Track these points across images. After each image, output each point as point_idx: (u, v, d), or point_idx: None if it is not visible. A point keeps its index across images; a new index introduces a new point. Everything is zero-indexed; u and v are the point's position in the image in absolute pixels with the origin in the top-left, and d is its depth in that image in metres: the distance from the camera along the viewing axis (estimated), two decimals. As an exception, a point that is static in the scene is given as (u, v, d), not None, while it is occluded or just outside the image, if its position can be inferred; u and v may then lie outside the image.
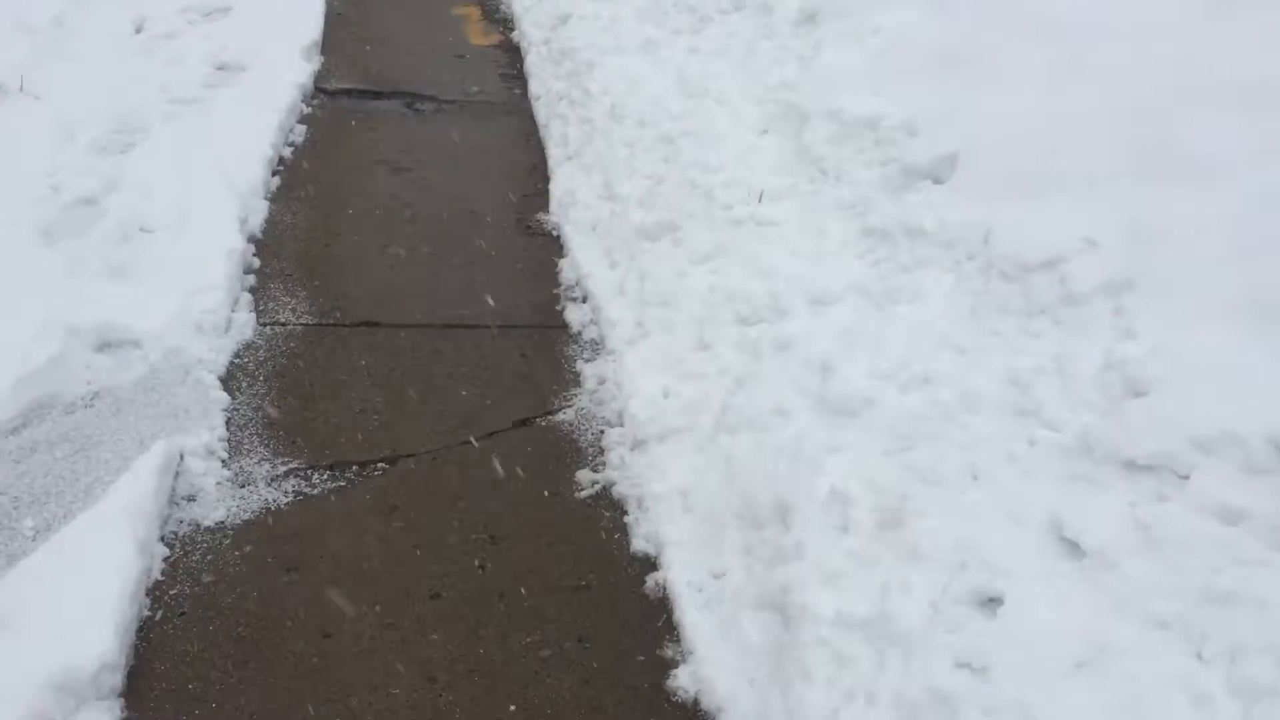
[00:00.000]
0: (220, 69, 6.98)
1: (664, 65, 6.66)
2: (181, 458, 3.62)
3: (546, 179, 6.01)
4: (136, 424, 3.79)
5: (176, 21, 7.66)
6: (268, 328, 4.50)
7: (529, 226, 5.55)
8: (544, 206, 5.72)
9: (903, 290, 4.14)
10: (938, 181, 4.62)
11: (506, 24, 8.62)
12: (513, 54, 8.03)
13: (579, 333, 4.66)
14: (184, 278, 4.53)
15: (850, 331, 3.97)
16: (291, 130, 6.33)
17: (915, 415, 3.49)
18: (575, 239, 5.27)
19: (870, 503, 3.18)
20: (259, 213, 5.33)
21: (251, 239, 5.12)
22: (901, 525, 3.08)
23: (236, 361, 4.25)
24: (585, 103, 6.50)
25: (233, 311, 4.50)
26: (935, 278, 4.15)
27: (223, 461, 3.69)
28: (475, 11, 8.93)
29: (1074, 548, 2.90)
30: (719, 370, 4.08)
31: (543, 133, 6.61)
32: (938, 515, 3.10)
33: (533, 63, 7.53)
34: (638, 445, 3.84)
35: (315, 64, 7.33)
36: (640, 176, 5.54)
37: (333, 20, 8.25)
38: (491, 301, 4.83)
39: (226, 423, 3.88)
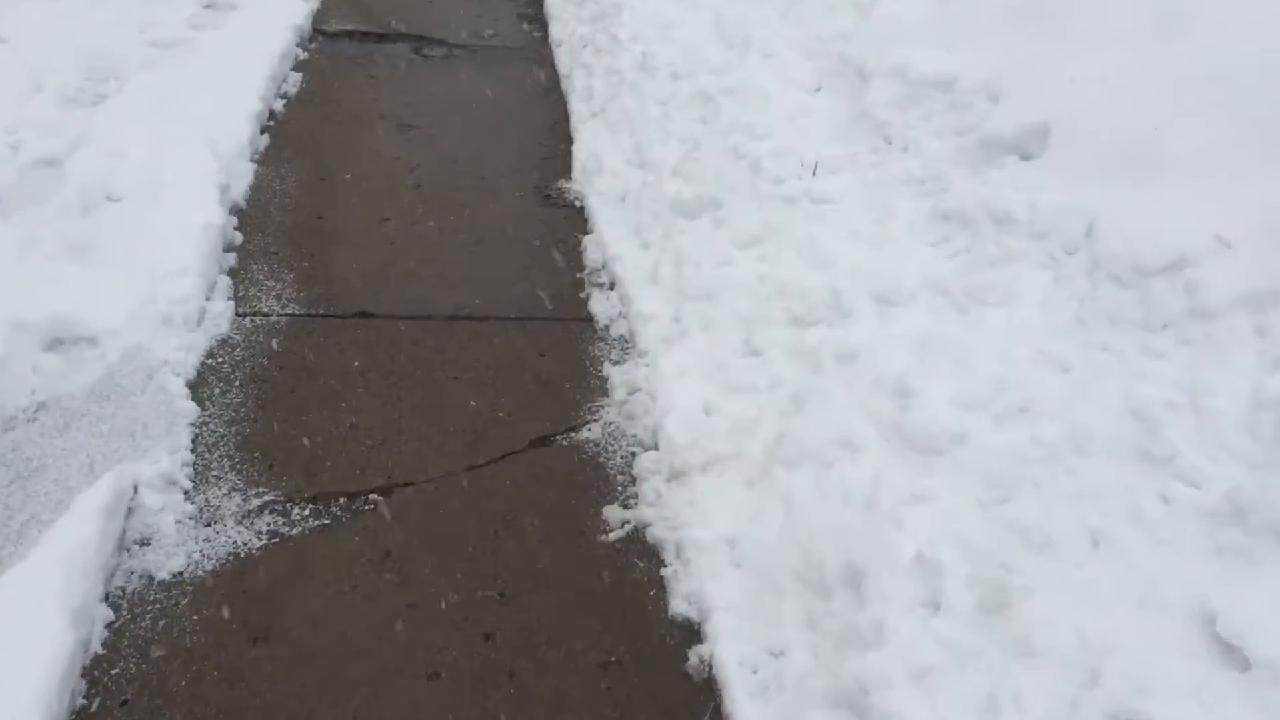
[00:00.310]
0: (208, 7, 6.33)
1: (700, 9, 5.96)
2: (136, 489, 3.05)
3: (569, 139, 5.35)
4: (86, 444, 3.21)
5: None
6: (248, 319, 3.90)
7: (549, 196, 4.91)
8: (566, 171, 5.07)
9: (989, 290, 3.51)
10: (1026, 157, 3.96)
11: (525, -43, 7.87)
12: (531, -8, 7.32)
13: (606, 327, 4.04)
14: (153, 258, 3.93)
15: (928, 341, 3.35)
16: (285, 80, 5.68)
17: (1014, 455, 2.88)
18: (601, 212, 4.64)
19: (966, 573, 2.59)
20: (244, 178, 4.71)
21: (234, 209, 4.51)
22: (1007, 607, 2.49)
23: (209, 363, 3.66)
24: (612, 50, 5.81)
25: (208, 299, 3.90)
26: (1028, 276, 3.52)
27: (185, 493, 3.12)
28: (491, -57, 8.17)
29: (1233, 652, 2.30)
30: (770, 382, 3.47)
31: (565, 84, 5.93)
32: (1051, 594, 2.51)
33: (554, 2, 6.82)
34: (676, 475, 3.24)
35: (314, 2, 6.64)
36: (675, 140, 4.88)
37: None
38: (505, 287, 4.22)
39: (193, 441, 3.30)
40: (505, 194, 4.90)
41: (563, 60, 6.13)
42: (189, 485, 3.14)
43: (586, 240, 4.53)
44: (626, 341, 3.95)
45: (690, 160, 4.65)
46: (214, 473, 3.22)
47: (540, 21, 6.82)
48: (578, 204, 4.83)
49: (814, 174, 4.37)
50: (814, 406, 3.24)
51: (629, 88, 5.44)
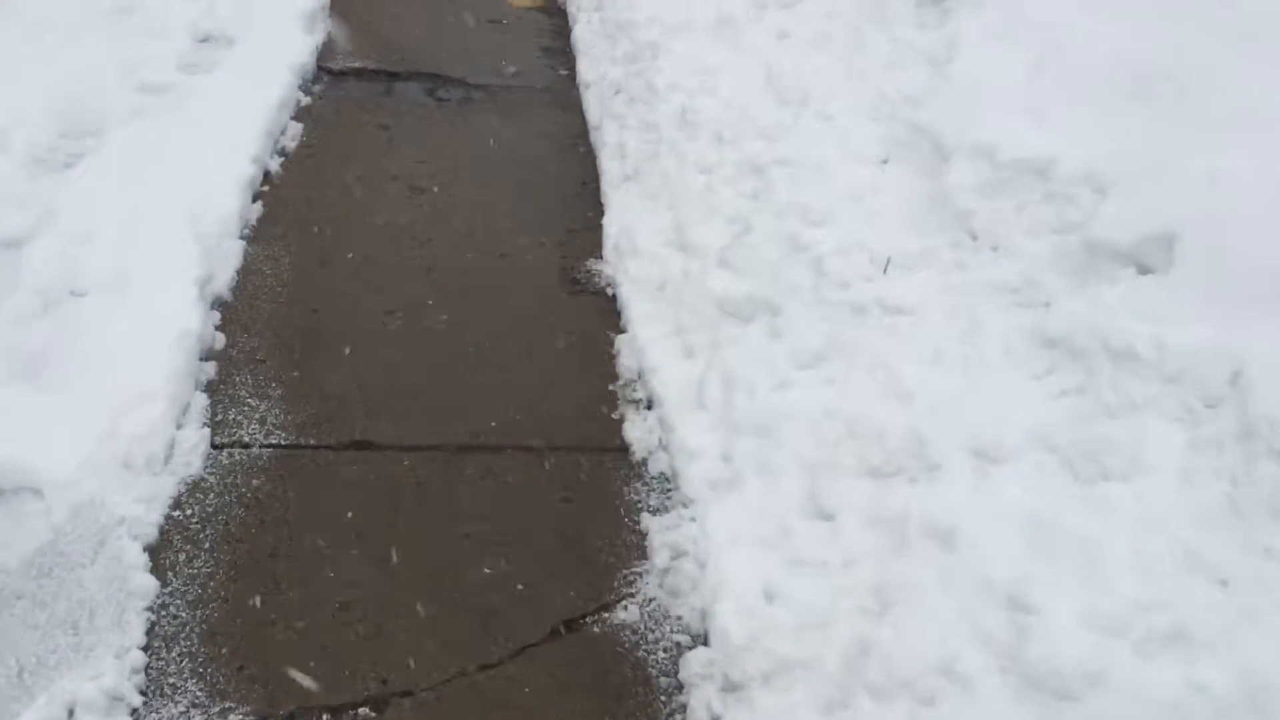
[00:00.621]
0: (203, 41, 5.75)
1: (747, 54, 5.33)
2: (71, 715, 2.48)
3: (598, 205, 4.75)
4: (17, 641, 2.65)
5: (157, -23, 6.37)
6: (225, 453, 3.33)
7: (576, 280, 4.31)
8: (595, 249, 4.47)
9: (1111, 450, 2.89)
10: (1145, 271, 3.34)
11: (551, -22, 7.25)
12: (558, 19, 6.70)
13: (643, 461, 3.45)
14: (117, 377, 3.37)
15: (1042, 523, 2.74)
16: (283, 131, 5.09)
17: (1171, 707, 2.28)
18: (636, 304, 4.04)
19: None
20: (230, 261, 4.13)
21: (217, 302, 3.93)
22: None
23: (176, 516, 3.09)
24: (648, 100, 5.20)
25: (179, 428, 3.33)
26: (1158, 433, 2.90)
27: (133, 714, 2.55)
28: (514, -39, 7.55)
29: None
30: (845, 558, 2.88)
31: (594, 136, 5.32)
32: None
33: (582, 36, 6.21)
34: (733, 688, 2.65)
35: (319, 35, 6.05)
36: (721, 218, 4.28)
37: (345, -27, 6.92)
38: (526, 404, 3.63)
39: (148, 634, 2.73)
40: (527, 277, 4.31)
41: (592, 106, 5.52)
42: (138, 702, 2.57)
43: (619, 341, 3.94)
44: (668, 482, 3.36)
45: (739, 246, 4.05)
46: (171, 680, 2.65)
47: (566, 56, 6.21)
48: (609, 291, 4.24)
49: (885, 272, 3.76)
50: (904, 609, 2.65)
51: (667, 147, 4.83)
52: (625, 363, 3.84)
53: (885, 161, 4.33)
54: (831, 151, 4.38)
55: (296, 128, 5.16)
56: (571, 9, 6.62)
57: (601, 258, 4.42)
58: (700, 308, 3.87)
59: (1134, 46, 4.15)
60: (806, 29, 5.37)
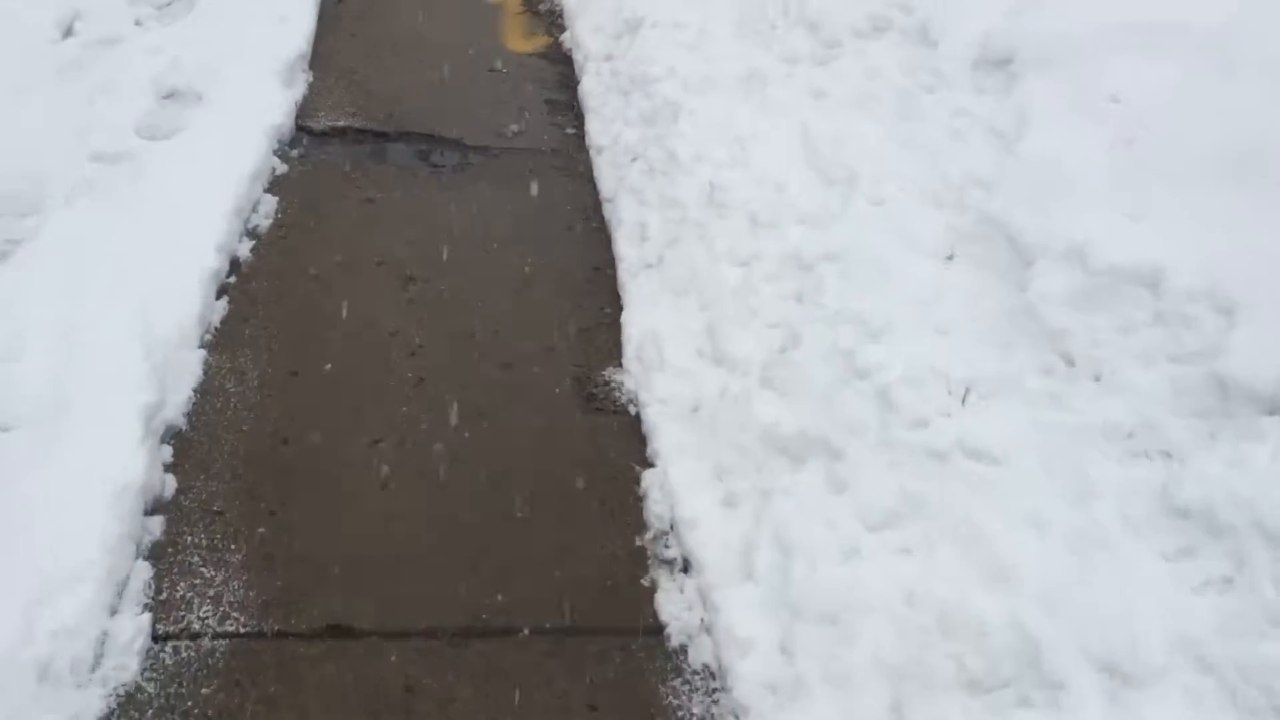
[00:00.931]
0: (168, 98, 5.14)
1: (779, 116, 4.74)
2: None
3: (615, 297, 4.16)
4: None
5: (121, 18, 5.79)
6: (169, 646, 2.71)
7: (593, 396, 3.70)
8: (614, 353, 3.87)
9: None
10: (1296, 423, 2.74)
11: (554, 18, 6.69)
12: (563, 67, 6.11)
13: (682, 649, 2.84)
14: (37, 550, 2.75)
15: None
16: (255, 207, 4.48)
17: None
18: (665, 432, 3.44)
19: None
20: (186, 378, 3.52)
21: (169, 433, 3.32)
22: None
23: (102, 745, 2.47)
24: (669, 172, 4.60)
25: (112, 615, 2.71)
26: (1341, 653, 2.29)
27: None
28: (514, -1, 6.97)
29: None
30: (948, 816, 2.27)
31: (607, 210, 4.72)
32: None
33: (591, 88, 5.61)
34: None
35: (299, 89, 5.46)
36: (762, 324, 3.68)
37: (329, 14, 6.35)
38: (537, 569, 3.02)
39: None
40: (536, 392, 3.70)
41: (605, 175, 4.91)
42: None
43: (647, 479, 3.33)
44: (713, 679, 2.75)
45: (785, 364, 3.45)
46: None
47: (574, 111, 5.60)
48: (631, 409, 3.63)
49: (964, 403, 3.16)
50: None
51: (693, 230, 4.23)
52: (655, 509, 3.23)
53: (951, 257, 3.73)
54: (887, 244, 3.77)
55: (270, 202, 4.54)
56: (578, 56, 6.02)
57: (621, 365, 3.82)
58: (743, 441, 3.27)
59: (1231, 117, 3.57)
60: (845, 88, 4.77)
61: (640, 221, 4.45)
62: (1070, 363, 3.18)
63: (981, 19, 4.62)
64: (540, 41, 6.43)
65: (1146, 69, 3.95)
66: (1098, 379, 3.09)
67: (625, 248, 4.37)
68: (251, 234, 4.33)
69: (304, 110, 5.32)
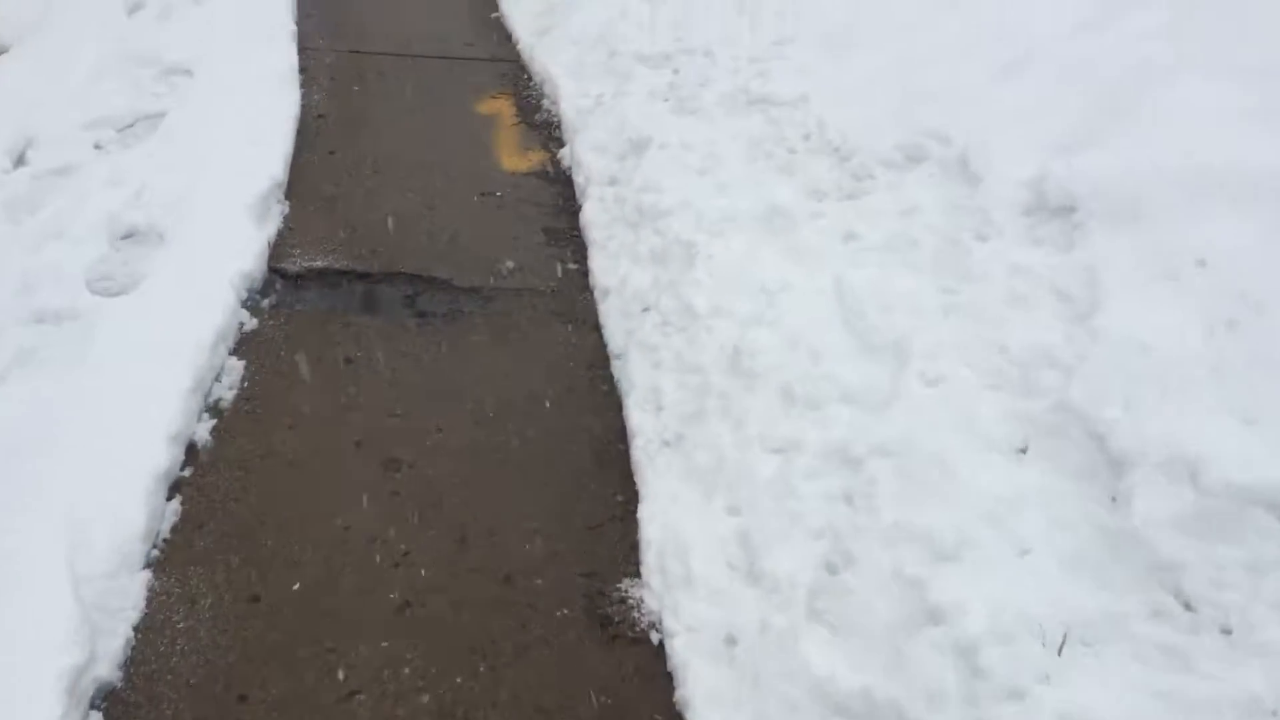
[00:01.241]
0: (127, 239, 4.66)
1: (809, 263, 4.25)
2: None
3: (628, 483, 3.63)
4: None
5: (79, 144, 5.34)
6: None
7: (608, 619, 3.15)
8: (629, 557, 3.34)
9: None
10: None
11: (551, 131, 6.24)
12: (561, 187, 5.65)
13: None
14: None
15: None
16: (219, 375, 3.97)
17: None
18: (695, 674, 2.89)
19: None
20: (125, 616, 2.97)
21: (100, 693, 2.77)
22: None
23: None
24: (685, 326, 4.10)
25: None
26: None
27: None
28: (508, 108, 6.55)
29: None
30: None
31: (616, 368, 4.20)
32: None
33: (594, 217, 5.12)
34: None
35: (273, 223, 4.97)
36: (804, 532, 3.15)
37: (309, 129, 5.89)
38: None
39: None
40: (541, 616, 3.14)
41: (613, 325, 4.40)
42: None
43: (679, 738, 2.77)
44: None
45: (838, 592, 2.92)
46: None
47: (575, 243, 5.11)
48: (654, 636, 3.08)
49: (1059, 653, 2.62)
50: None
51: (717, 402, 3.72)
52: (688, 787, 2.66)
53: (1024, 451, 3.20)
54: (949, 436, 3.25)
55: (236, 369, 4.02)
56: (579, 178, 5.55)
57: (640, 577, 3.27)
58: (792, 696, 2.72)
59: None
60: (879, 230, 4.29)
61: (654, 386, 3.93)
62: (1188, 606, 2.64)
63: (1030, 154, 4.15)
64: (536, 158, 5.97)
65: (1233, 225, 3.47)
66: (1226, 632, 2.55)
67: (638, 418, 3.84)
68: (213, 409, 3.80)
69: (278, 249, 4.82)
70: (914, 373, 3.49)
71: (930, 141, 4.58)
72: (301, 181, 5.38)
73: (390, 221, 5.13)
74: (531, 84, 6.80)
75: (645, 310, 4.31)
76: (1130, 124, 4.01)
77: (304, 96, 6.25)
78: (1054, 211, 3.87)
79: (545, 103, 6.52)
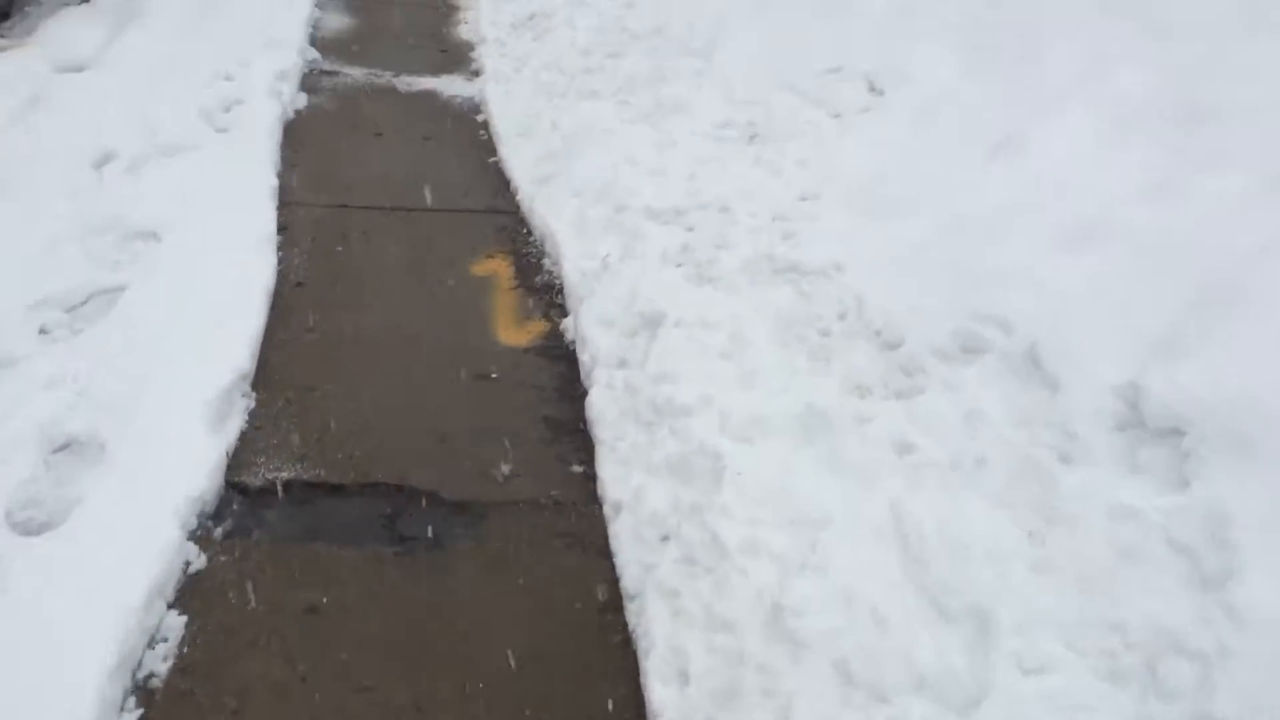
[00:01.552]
0: (61, 451, 4.04)
1: (858, 485, 3.60)
2: None
3: (653, 788, 2.90)
4: None
5: (22, 330, 4.74)
6: None
7: None
8: None
9: None
10: None
11: (552, 296, 5.65)
12: (565, 366, 5.03)
13: None
14: None
15: None
16: (153, 641, 3.29)
17: None
18: None
19: None
20: None
21: None
22: None
23: None
24: (713, 566, 3.44)
25: None
26: None
27: None
28: (506, 268, 5.97)
29: None
30: None
31: (632, 613, 3.52)
32: None
33: (602, 409, 4.48)
34: None
35: (235, 425, 4.34)
36: None
37: (284, 302, 5.30)
38: None
39: None
40: None
41: (626, 554, 3.73)
42: None
43: None
44: None
45: None
46: None
47: (580, 437, 4.47)
48: None
49: None
50: None
51: (755, 676, 3.03)
52: None
53: (1159, 777, 2.50)
54: (1060, 749, 2.55)
55: (176, 627, 3.35)
56: (584, 357, 4.93)
57: None
58: None
59: None
60: (938, 441, 3.64)
61: (677, 646, 3.25)
62: None
63: (1118, 353, 3.53)
64: (537, 329, 5.36)
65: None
66: None
67: (660, 692, 3.15)
68: (141, 692, 3.12)
69: (239, 457, 4.18)
70: (1005, 654, 2.80)
71: (989, 329, 3.97)
72: (272, 368, 4.77)
73: (370, 417, 4.50)
74: (531, 240, 6.24)
75: (664, 539, 3.65)
76: (1240, 318, 3.38)
77: (282, 261, 5.69)
78: (1157, 434, 3.22)
79: (546, 262, 5.94)
